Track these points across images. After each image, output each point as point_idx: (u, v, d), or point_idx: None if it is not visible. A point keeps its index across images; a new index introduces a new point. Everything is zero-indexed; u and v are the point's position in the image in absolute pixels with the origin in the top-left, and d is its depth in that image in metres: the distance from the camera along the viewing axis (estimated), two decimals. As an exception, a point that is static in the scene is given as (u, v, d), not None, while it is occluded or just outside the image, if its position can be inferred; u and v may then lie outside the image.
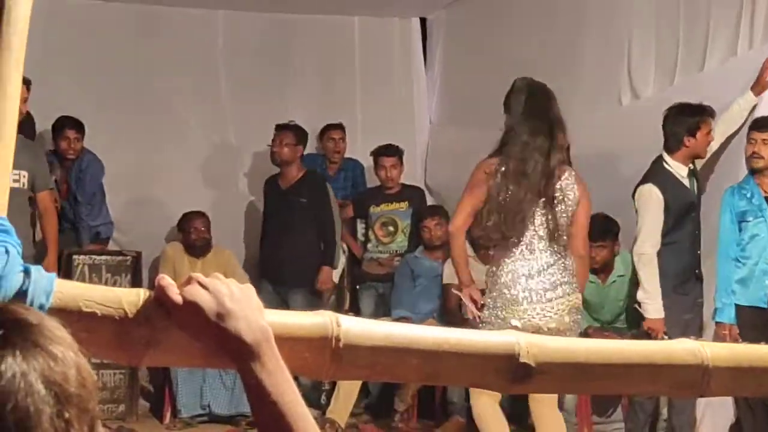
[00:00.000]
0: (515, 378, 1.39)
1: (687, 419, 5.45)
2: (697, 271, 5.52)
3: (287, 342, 1.34)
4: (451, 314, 6.70)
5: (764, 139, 5.19)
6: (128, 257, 6.78)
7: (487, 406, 4.85)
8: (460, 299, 5.29)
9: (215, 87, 7.89)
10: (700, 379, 1.50)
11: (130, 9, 7.66)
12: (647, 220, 5.42)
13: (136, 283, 6.74)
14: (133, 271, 6.76)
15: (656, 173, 5.47)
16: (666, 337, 5.10)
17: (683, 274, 5.48)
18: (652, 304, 5.39)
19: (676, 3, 5.98)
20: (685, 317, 5.44)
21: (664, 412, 5.72)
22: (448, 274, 6.76)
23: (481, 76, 7.73)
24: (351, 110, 8.16)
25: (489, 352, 1.40)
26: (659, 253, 5.44)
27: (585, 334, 6.06)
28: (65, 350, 0.82)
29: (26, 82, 5.95)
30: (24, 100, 5.92)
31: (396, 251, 7.36)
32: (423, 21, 8.46)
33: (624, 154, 6.00)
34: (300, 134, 7.03)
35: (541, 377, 1.40)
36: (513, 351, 1.39)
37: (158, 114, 7.64)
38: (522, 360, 1.39)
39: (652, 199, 5.40)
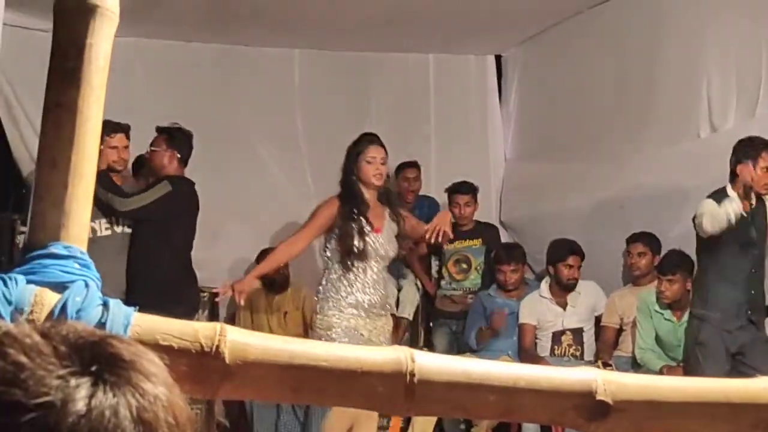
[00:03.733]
0: (593, 416, 1.37)
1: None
2: (749, 311, 5.38)
3: (362, 376, 1.34)
4: (526, 353, 6.64)
5: None
6: (206, 293, 6.85)
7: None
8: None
9: (291, 125, 7.97)
10: (784, 419, 1.45)
11: (208, 48, 7.80)
12: (703, 209, 5.31)
13: (213, 319, 6.82)
14: (210, 307, 6.83)
15: (715, 194, 5.39)
16: None
17: (731, 310, 5.36)
18: None
19: (757, 34, 5.91)
20: (731, 354, 5.34)
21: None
22: (524, 313, 6.73)
23: (556, 111, 7.71)
24: (426, 147, 8.17)
25: (566, 388, 1.38)
26: (709, 285, 5.37)
27: (660, 373, 5.96)
28: (157, 387, 0.82)
29: (125, 129, 6.01)
30: (125, 147, 6.00)
31: (469, 289, 7.31)
32: (498, 58, 8.46)
33: (703, 188, 5.90)
34: (174, 138, 6.09)
35: (619, 415, 1.37)
36: (590, 388, 1.37)
37: (236, 152, 7.74)
38: (599, 397, 1.36)
39: (708, 202, 5.31)
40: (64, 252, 1.31)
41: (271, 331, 6.72)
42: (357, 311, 5.23)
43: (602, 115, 7.15)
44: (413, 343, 7.41)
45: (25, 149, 7.35)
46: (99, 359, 0.80)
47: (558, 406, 1.38)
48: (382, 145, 5.41)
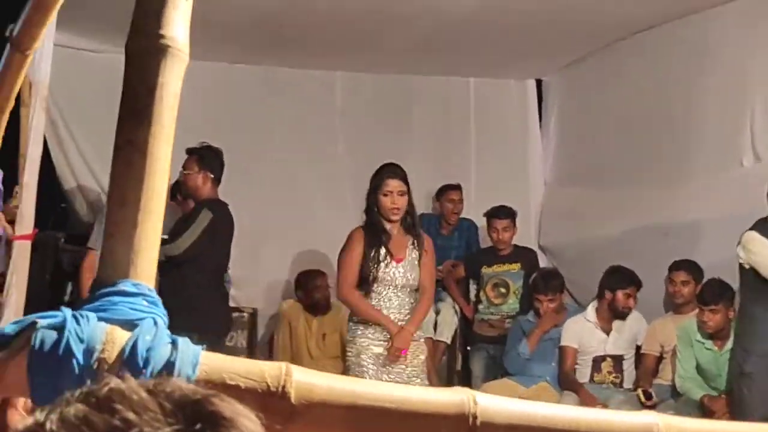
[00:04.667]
0: (655, 461, 1.36)
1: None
2: None
3: (423, 418, 1.34)
4: (566, 377, 6.60)
5: None
6: (245, 313, 6.88)
7: None
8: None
9: (332, 147, 8.01)
10: None
11: (251, 70, 7.86)
12: (762, 258, 5.29)
13: (252, 339, 6.86)
14: (249, 327, 6.86)
15: (759, 225, 5.37)
16: None
17: None
18: None
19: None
20: None
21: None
22: (567, 336, 6.68)
23: (597, 137, 7.68)
24: (466, 170, 8.18)
25: (628, 433, 1.37)
26: (755, 315, 5.33)
27: (700, 402, 5.91)
28: None
29: None
30: None
31: (507, 313, 7.29)
32: (538, 83, 8.45)
33: (746, 217, 5.86)
34: (205, 158, 6.06)
35: (682, 462, 1.36)
36: (653, 433, 1.36)
37: (276, 173, 7.78)
38: (662, 443, 1.36)
39: (760, 241, 5.28)
40: (133, 289, 1.32)
41: (309, 352, 6.74)
42: (384, 335, 5.31)
43: (643, 142, 7.12)
44: (450, 367, 7.40)
45: (68, 166, 7.43)
46: (201, 417, 0.82)
47: (620, 451, 1.38)
48: (402, 177, 5.50)
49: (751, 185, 6.01)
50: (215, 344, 5.19)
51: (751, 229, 5.40)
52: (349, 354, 5.42)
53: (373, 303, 5.38)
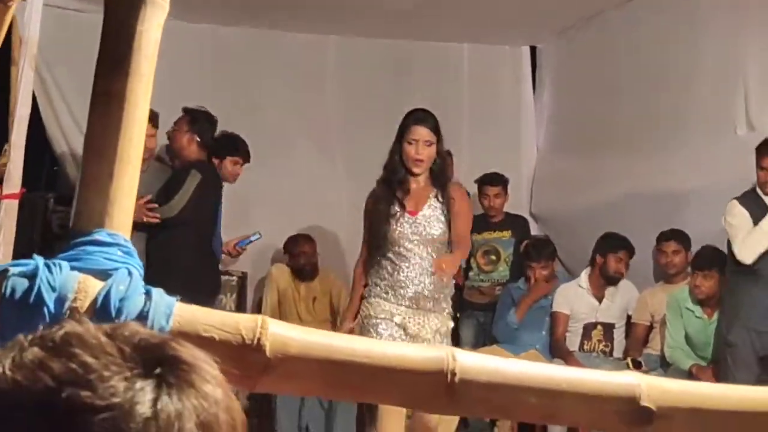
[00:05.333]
0: (635, 421, 1.35)
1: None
2: None
3: (402, 374, 1.33)
4: (557, 344, 6.61)
5: None
6: (234, 277, 6.87)
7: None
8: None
9: (324, 111, 7.96)
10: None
11: (241, 33, 7.79)
12: (736, 230, 5.34)
13: (241, 302, 6.85)
14: (238, 290, 6.85)
15: (744, 195, 5.44)
16: None
17: (762, 311, 5.33)
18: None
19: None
20: (760, 356, 5.31)
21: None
22: (559, 302, 6.68)
23: (591, 104, 7.65)
24: (458, 137, 8.12)
25: (609, 393, 1.36)
26: (740, 284, 5.39)
27: (689, 372, 5.92)
28: (217, 389, 0.82)
29: (151, 117, 5.98)
30: (151, 136, 5.94)
31: (497, 280, 7.29)
32: (533, 49, 8.40)
33: (738, 186, 5.85)
34: (196, 121, 6.09)
35: (662, 422, 1.35)
36: (633, 393, 1.35)
37: (266, 137, 7.71)
38: (643, 403, 1.35)
39: (738, 210, 5.35)
40: (108, 239, 1.31)
41: (299, 317, 6.73)
42: (401, 300, 4.87)
43: (636, 110, 7.09)
44: (440, 333, 7.39)
45: (59, 128, 7.37)
46: (162, 362, 0.80)
47: (600, 410, 1.37)
48: (430, 125, 4.99)
49: (745, 154, 6.00)
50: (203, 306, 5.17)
51: (735, 198, 5.45)
52: (361, 315, 4.97)
53: (393, 263, 4.86)
